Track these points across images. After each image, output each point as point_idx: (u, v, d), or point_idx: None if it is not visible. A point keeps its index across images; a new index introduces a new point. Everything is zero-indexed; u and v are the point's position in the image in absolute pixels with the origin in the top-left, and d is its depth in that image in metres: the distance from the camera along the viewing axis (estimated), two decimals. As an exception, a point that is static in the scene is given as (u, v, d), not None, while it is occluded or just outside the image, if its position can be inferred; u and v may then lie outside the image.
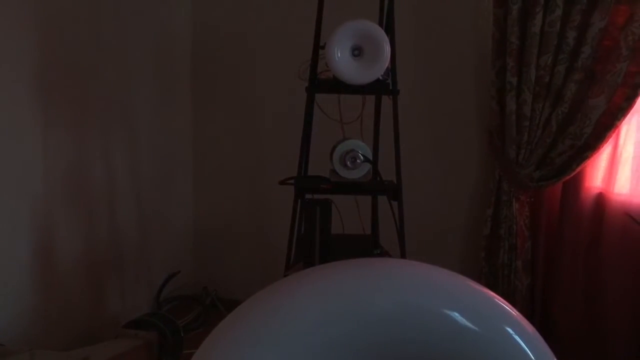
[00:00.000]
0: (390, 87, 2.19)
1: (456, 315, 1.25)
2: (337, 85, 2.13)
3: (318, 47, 2.19)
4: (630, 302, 2.61)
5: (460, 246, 3.02)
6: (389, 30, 2.19)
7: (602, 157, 2.63)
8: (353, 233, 2.54)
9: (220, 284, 3.42)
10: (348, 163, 2.20)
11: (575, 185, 2.67)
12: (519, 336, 1.28)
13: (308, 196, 2.26)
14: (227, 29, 3.31)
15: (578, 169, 2.61)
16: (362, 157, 2.20)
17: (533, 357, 1.27)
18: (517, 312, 1.33)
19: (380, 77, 2.12)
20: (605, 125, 2.53)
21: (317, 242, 2.14)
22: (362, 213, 2.53)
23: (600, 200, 2.64)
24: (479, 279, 2.80)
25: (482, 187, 2.91)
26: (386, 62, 2.06)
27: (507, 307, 1.32)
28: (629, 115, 2.51)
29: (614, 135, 2.56)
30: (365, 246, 2.44)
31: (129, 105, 2.96)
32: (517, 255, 2.72)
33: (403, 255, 2.22)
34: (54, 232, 2.55)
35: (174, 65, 3.31)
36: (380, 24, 2.30)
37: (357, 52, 2.06)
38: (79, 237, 2.69)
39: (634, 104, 2.48)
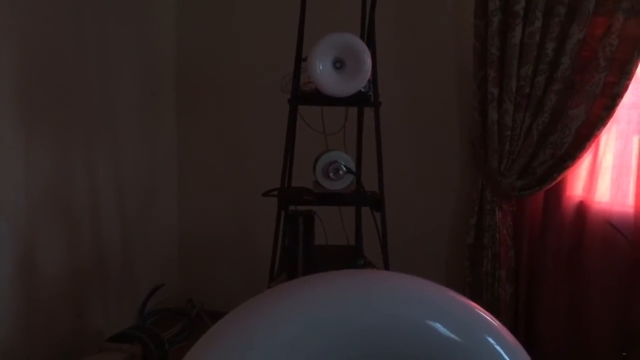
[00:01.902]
0: (372, 99, 2.20)
1: (439, 326, 1.26)
2: (320, 98, 2.14)
3: (300, 59, 2.20)
4: (612, 309, 2.63)
5: (444, 256, 3.04)
6: (370, 42, 2.21)
7: (582, 167, 2.66)
8: (337, 244, 2.54)
9: (205, 296, 3.40)
10: (331, 174, 2.20)
11: (557, 194, 2.70)
12: (501, 346, 1.29)
13: (292, 208, 2.27)
14: (212, 38, 3.31)
15: (559, 178, 2.64)
16: (344, 169, 2.21)
17: (514, 367, 1.28)
18: (499, 322, 1.34)
19: (362, 89, 2.13)
20: (585, 135, 2.57)
21: (300, 254, 2.14)
22: (346, 223, 2.54)
23: (582, 209, 2.67)
24: (463, 289, 2.81)
25: (465, 196, 2.93)
26: (367, 74, 2.08)
27: (489, 317, 1.33)
28: (608, 125, 2.55)
29: (593, 145, 2.60)
30: (349, 257, 2.44)
31: (112, 116, 2.95)
32: (501, 264, 2.74)
33: (386, 266, 2.22)
34: (36, 244, 2.52)
35: (158, 75, 3.30)
36: (362, 37, 2.32)
37: (338, 64, 2.08)
38: (62, 249, 2.66)
39: (613, 114, 2.52)
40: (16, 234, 2.43)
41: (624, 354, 2.34)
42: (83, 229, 2.79)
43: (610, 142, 2.62)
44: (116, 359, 2.43)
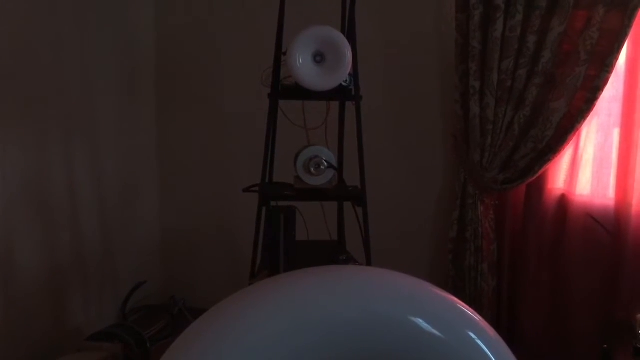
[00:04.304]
0: (353, 93, 2.19)
1: (420, 322, 1.25)
2: (300, 92, 2.12)
3: (280, 53, 2.17)
4: (594, 301, 2.64)
5: (427, 250, 3.03)
6: (351, 35, 2.19)
7: (563, 160, 2.67)
8: (319, 239, 2.53)
9: (188, 292, 3.38)
10: (312, 169, 2.18)
11: (539, 187, 2.71)
12: (482, 341, 1.29)
13: (273, 203, 2.25)
14: (191, 33, 3.29)
15: (540, 172, 2.64)
16: (326, 164, 2.19)
17: (495, 362, 1.27)
18: (480, 317, 1.34)
19: (343, 83, 2.11)
20: (566, 128, 2.57)
21: (281, 250, 2.13)
22: (328, 219, 2.53)
23: (563, 202, 2.68)
24: (446, 283, 2.81)
25: (447, 190, 2.93)
26: (348, 68, 2.06)
27: (470, 312, 1.33)
28: (588, 118, 2.55)
29: (574, 138, 2.61)
30: (331, 252, 2.43)
31: (90, 110, 2.91)
32: (483, 257, 2.74)
33: (369, 262, 2.21)
34: (13, 241, 2.48)
35: (137, 70, 3.27)
36: (342, 30, 2.30)
37: (318, 58, 2.05)
38: (40, 247, 2.62)
39: (594, 107, 2.52)
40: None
41: (605, 346, 2.35)
42: (62, 226, 2.76)
43: (591, 135, 2.63)
44: (96, 358, 2.40)
